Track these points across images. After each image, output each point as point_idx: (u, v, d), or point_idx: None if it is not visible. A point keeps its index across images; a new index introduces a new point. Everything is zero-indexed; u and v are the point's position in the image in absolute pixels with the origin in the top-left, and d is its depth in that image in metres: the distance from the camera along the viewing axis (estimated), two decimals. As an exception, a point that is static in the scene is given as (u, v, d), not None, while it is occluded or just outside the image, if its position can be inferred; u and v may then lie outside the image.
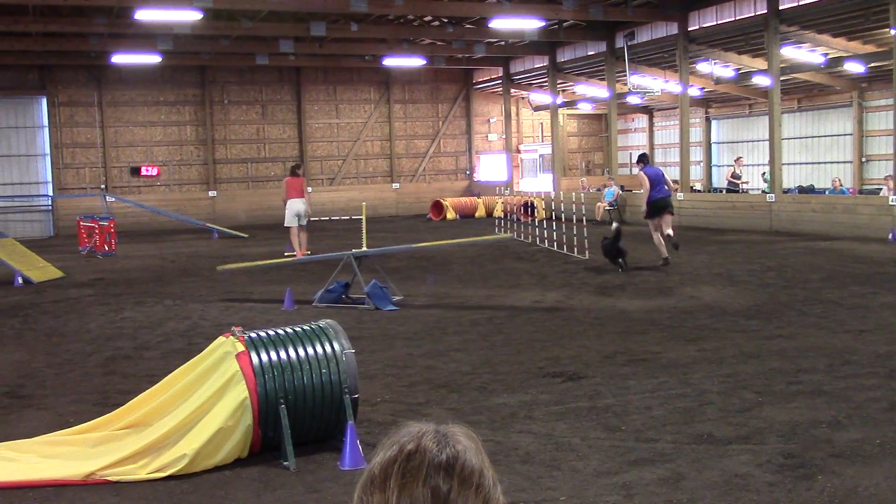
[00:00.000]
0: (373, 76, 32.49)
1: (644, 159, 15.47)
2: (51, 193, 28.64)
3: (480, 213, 29.27)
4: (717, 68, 24.58)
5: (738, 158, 26.52)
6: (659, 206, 14.68)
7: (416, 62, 29.19)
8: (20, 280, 15.09)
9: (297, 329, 6.16)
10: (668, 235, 14.53)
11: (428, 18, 25.83)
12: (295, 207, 17.99)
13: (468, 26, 25.79)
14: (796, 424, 6.03)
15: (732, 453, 5.51)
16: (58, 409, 7.13)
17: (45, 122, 28.79)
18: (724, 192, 24.70)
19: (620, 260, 14.41)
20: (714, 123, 32.93)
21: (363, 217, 15.49)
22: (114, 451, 5.69)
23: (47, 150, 28.83)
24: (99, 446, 5.94)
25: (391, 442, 1.32)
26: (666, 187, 15.02)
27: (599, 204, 25.70)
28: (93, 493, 5.24)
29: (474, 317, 10.74)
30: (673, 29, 23.26)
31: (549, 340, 9.18)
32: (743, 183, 25.62)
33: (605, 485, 5.08)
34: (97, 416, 6.41)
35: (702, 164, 32.66)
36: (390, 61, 28.77)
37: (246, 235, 24.41)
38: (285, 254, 18.46)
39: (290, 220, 18.08)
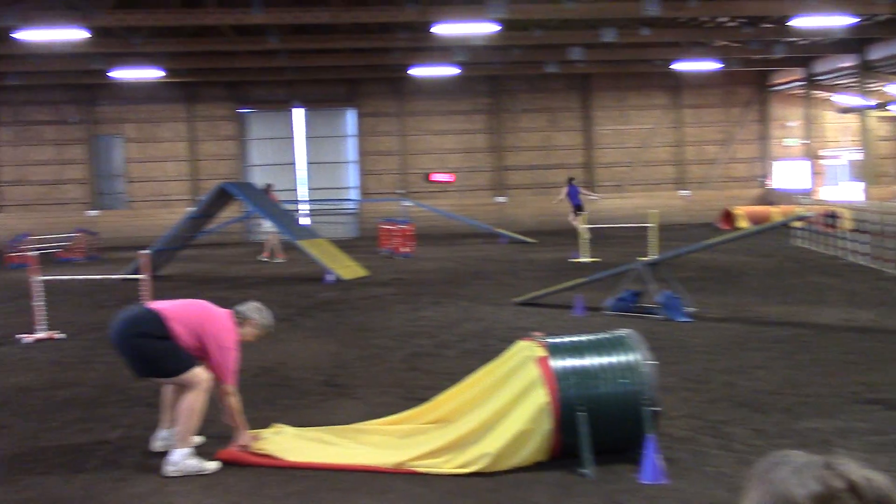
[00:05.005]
0: (662, 81, 31.81)
1: (570, 181, 25.32)
2: (357, 198, 31.04)
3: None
4: None
5: None
6: (580, 208, 24.23)
7: (709, 65, 28.17)
8: (331, 277, 16.44)
9: (596, 337, 6.14)
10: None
11: (722, 19, 24.83)
12: None
13: (765, 26, 24.47)
14: None
15: None
16: (368, 399, 7.65)
17: (355, 131, 31.27)
18: None
19: None
20: None
21: (654, 225, 15.19)
22: (421, 444, 6.00)
23: (356, 158, 31.29)
24: (406, 438, 6.29)
25: (792, 471, 1.23)
26: (580, 197, 24.62)
27: (915, 215, 23.28)
28: (403, 482, 5.54)
29: (775, 333, 10.14)
30: None
31: (864, 363, 8.43)
32: None
33: (941, 529, 4.55)
34: (403, 409, 6.80)
35: None
36: (681, 65, 27.97)
37: (534, 241, 24.83)
38: (569, 260, 18.61)
39: None
